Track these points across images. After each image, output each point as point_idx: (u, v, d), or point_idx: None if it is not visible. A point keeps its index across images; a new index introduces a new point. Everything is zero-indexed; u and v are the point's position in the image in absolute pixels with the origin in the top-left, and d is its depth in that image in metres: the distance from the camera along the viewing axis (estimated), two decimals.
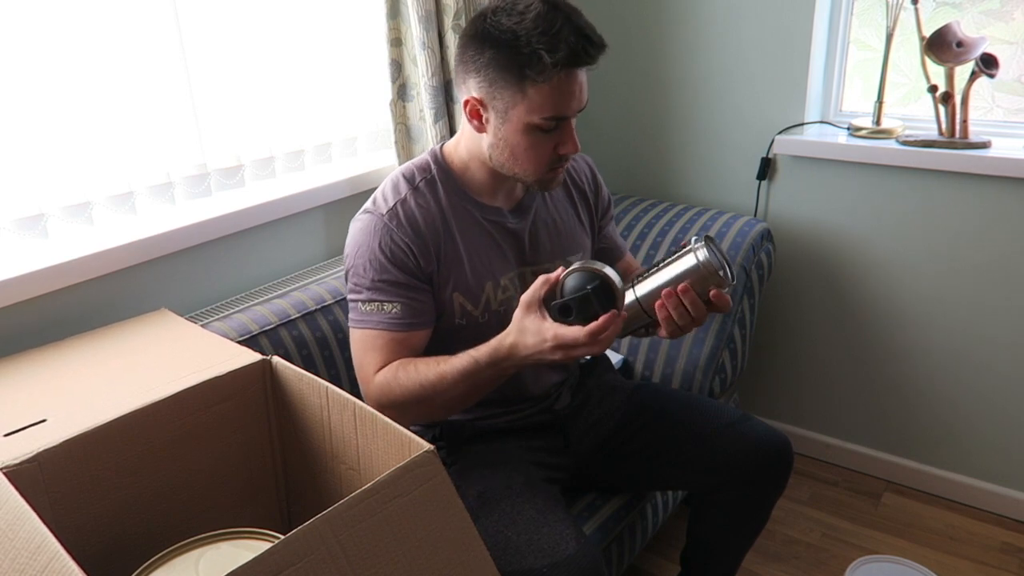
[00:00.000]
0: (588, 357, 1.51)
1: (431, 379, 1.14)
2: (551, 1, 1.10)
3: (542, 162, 1.17)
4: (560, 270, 1.09)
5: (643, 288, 1.10)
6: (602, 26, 2.16)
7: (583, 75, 1.14)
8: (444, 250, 1.20)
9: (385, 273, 1.17)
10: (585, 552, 1.10)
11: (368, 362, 1.18)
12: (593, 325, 1.04)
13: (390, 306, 1.17)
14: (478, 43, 1.12)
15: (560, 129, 1.16)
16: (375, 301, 1.17)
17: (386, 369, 1.17)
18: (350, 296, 1.21)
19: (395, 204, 1.19)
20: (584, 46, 1.09)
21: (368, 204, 1.23)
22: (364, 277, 1.18)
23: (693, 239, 1.10)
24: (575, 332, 1.04)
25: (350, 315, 1.21)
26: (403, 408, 1.15)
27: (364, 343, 1.19)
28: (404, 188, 1.22)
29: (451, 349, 1.17)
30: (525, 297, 1.09)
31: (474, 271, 1.22)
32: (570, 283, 1.08)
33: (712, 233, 1.82)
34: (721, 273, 1.07)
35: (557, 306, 1.08)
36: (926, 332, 1.89)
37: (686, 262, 1.08)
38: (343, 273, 1.24)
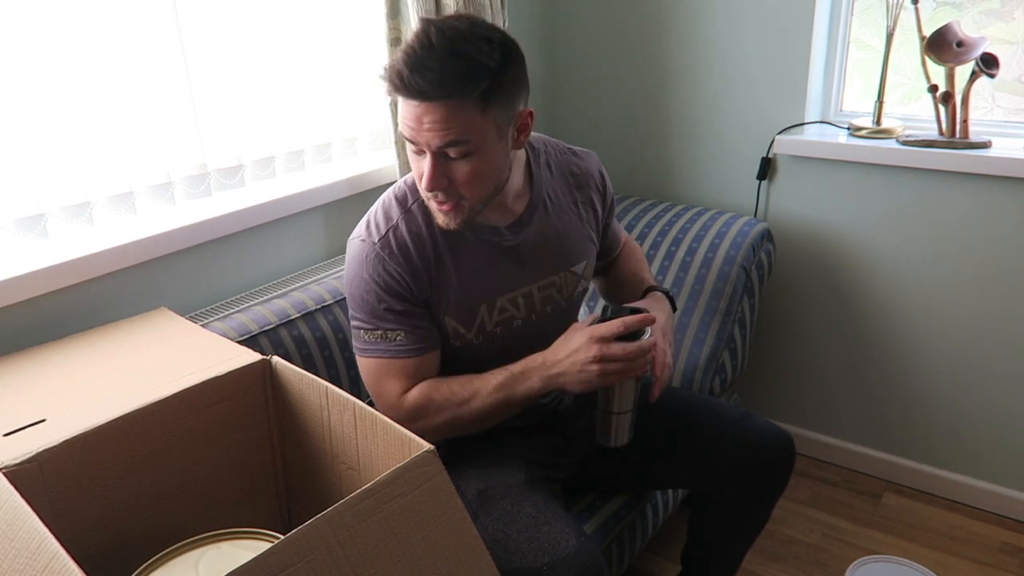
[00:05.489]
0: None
1: (465, 396, 1.17)
2: (439, 27, 1.04)
3: (418, 180, 1.12)
4: (597, 314, 1.20)
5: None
6: (602, 26, 2.16)
7: (427, 111, 1.04)
8: (436, 276, 1.19)
9: (383, 302, 1.17)
10: (586, 550, 1.10)
11: (389, 389, 1.19)
12: (630, 318, 1.14)
13: (394, 334, 1.17)
14: None
15: (424, 157, 1.09)
16: (379, 329, 1.18)
17: (415, 393, 1.18)
18: (352, 323, 1.21)
19: (387, 232, 1.18)
20: (410, 76, 1.02)
21: (361, 229, 1.21)
22: (363, 306, 1.18)
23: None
24: (609, 325, 1.13)
25: (354, 342, 1.22)
26: (437, 429, 1.18)
27: (379, 371, 1.19)
28: (396, 213, 1.20)
29: (449, 370, 1.22)
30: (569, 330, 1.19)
31: (466, 294, 1.21)
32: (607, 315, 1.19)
33: (712, 233, 1.83)
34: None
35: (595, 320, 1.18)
36: (926, 332, 1.89)
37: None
38: (345, 295, 1.25)
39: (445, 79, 1.02)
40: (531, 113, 1.14)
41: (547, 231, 1.27)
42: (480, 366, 1.21)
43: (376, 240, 1.18)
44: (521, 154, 1.24)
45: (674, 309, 1.36)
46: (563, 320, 1.32)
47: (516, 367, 1.18)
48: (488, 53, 1.04)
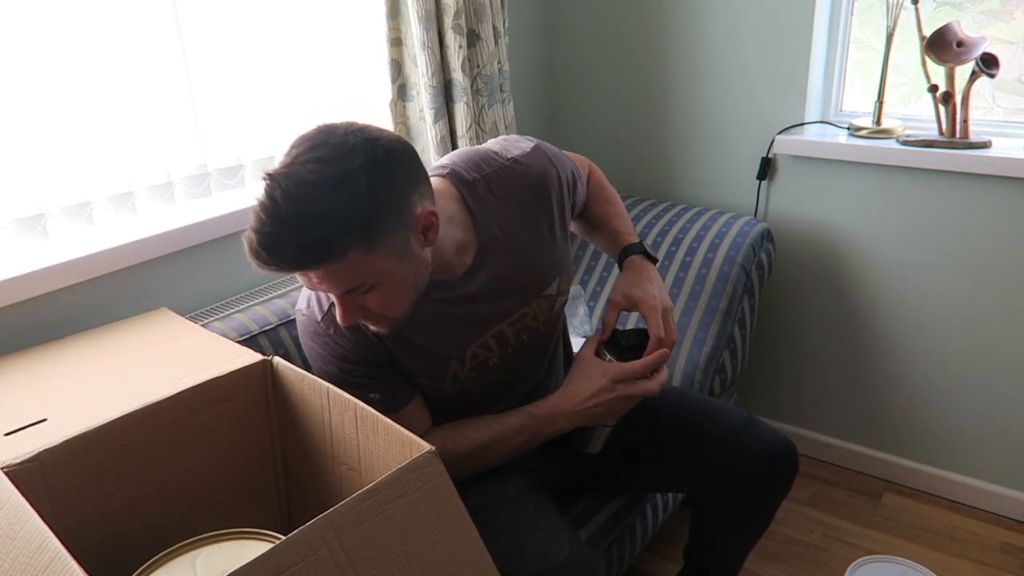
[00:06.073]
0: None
1: (485, 441, 1.17)
2: (285, 188, 0.89)
3: None
4: (600, 335, 1.19)
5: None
6: (602, 26, 2.15)
7: (308, 271, 0.96)
8: (392, 343, 1.12)
9: (344, 371, 1.12)
10: (579, 556, 1.09)
11: None
12: (648, 358, 1.14)
13: (371, 395, 1.11)
14: None
15: None
16: (355, 396, 1.12)
17: (428, 438, 1.14)
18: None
19: (329, 308, 1.10)
20: (270, 259, 0.91)
21: (303, 301, 1.14)
22: (328, 375, 1.12)
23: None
24: (632, 364, 1.14)
25: None
26: (456, 475, 1.15)
27: None
28: None
29: (432, 416, 1.21)
30: (580, 355, 1.18)
31: (431, 355, 1.15)
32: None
33: (712, 233, 1.83)
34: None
35: (608, 343, 1.19)
36: (926, 332, 1.89)
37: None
38: None
39: (309, 254, 0.91)
40: (433, 212, 1.00)
41: (506, 268, 1.16)
42: (461, 407, 1.21)
43: (319, 318, 1.11)
44: (450, 205, 1.11)
45: (654, 262, 1.28)
46: (543, 341, 1.28)
47: (538, 411, 1.18)
48: (348, 197, 0.90)
